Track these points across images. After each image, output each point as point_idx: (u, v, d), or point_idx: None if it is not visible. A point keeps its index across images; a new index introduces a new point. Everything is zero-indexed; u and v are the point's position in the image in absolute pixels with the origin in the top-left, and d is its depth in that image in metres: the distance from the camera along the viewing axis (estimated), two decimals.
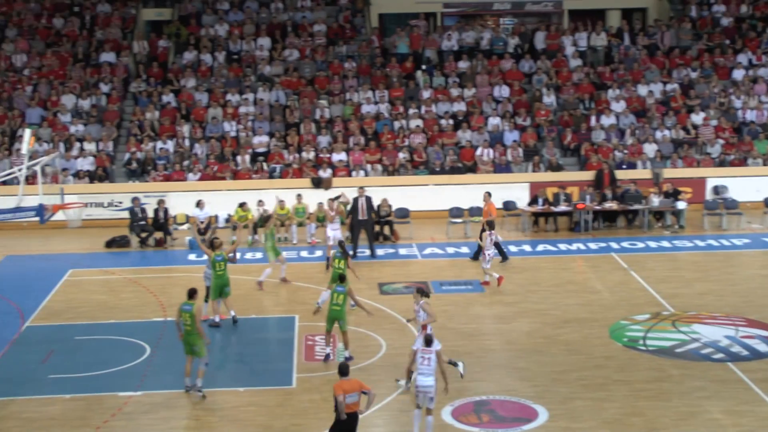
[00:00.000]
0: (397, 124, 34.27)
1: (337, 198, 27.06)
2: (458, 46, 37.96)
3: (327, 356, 18.77)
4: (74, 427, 16.13)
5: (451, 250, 27.65)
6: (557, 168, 32.56)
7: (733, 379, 17.72)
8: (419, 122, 34.28)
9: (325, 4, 39.92)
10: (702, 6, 39.79)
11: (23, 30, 37.92)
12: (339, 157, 32.65)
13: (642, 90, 35.63)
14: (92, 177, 32.07)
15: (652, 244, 28.10)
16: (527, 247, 27.87)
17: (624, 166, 32.40)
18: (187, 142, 33.50)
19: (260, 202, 28.83)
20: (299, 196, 29.38)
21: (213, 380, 17.53)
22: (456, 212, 29.87)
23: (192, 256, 27.18)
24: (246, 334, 20.75)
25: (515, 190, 31.27)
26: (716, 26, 38.88)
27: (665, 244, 28.17)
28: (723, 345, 19.42)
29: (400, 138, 33.60)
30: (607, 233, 29.45)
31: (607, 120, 34.31)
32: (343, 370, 14.19)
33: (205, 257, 21.86)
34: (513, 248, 27.52)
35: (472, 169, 32.67)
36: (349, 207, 27.32)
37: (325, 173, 31.87)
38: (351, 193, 27.58)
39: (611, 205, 29.77)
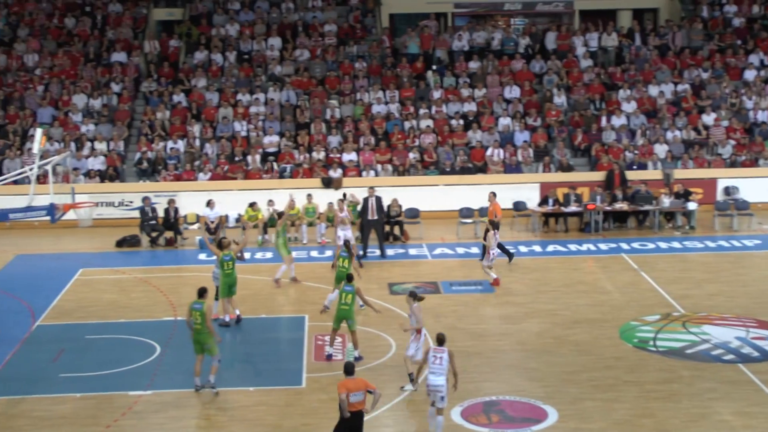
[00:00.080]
0: (407, 125, 34.27)
1: (344, 198, 27.04)
2: (469, 47, 37.94)
3: (329, 356, 18.80)
4: (85, 426, 16.18)
5: (461, 250, 27.64)
6: (568, 168, 32.51)
7: (743, 381, 17.67)
8: (430, 122, 34.27)
9: (336, 4, 39.95)
10: (713, 6, 39.69)
11: (35, 30, 38.04)
12: (349, 157, 32.66)
13: (653, 90, 35.55)
14: (103, 176, 32.17)
15: (663, 244, 28.04)
16: (537, 248, 27.84)
17: (635, 167, 32.33)
18: (197, 142, 33.56)
19: (270, 202, 28.89)
20: (309, 196, 29.40)
21: (223, 379, 17.55)
22: (466, 212, 29.86)
23: (202, 256, 27.22)
24: (256, 333, 20.78)
25: (525, 190, 31.24)
26: (728, 27, 38.77)
27: (676, 244, 28.10)
28: (733, 346, 19.36)
29: (411, 138, 33.60)
30: (617, 234, 29.40)
31: (618, 120, 34.24)
32: (349, 369, 14.23)
33: (215, 257, 21.88)
34: (523, 248, 27.51)
35: (483, 169, 32.65)
36: (359, 207, 27.35)
37: (335, 173, 31.89)
38: (361, 194, 27.61)
39: (622, 205, 29.72)
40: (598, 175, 31.57)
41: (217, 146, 33.15)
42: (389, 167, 32.55)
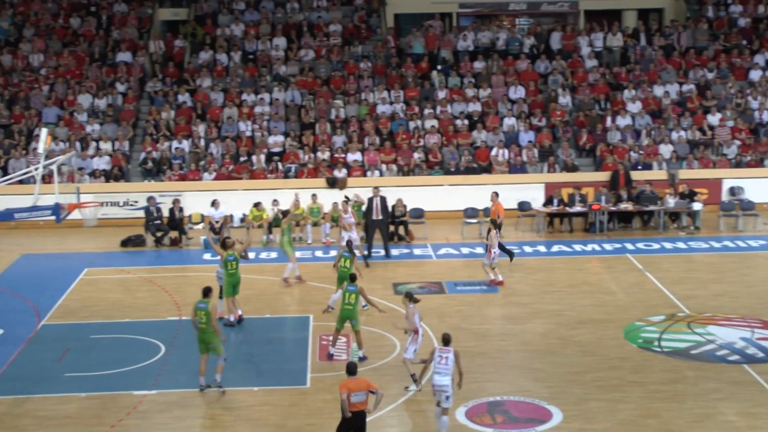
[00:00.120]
0: (412, 125, 34.27)
1: (347, 201, 27.05)
2: (474, 47, 37.92)
3: (331, 355, 18.83)
4: (89, 426, 16.20)
5: (465, 250, 27.63)
6: (572, 169, 32.49)
7: (748, 381, 17.65)
8: (434, 122, 34.27)
9: (341, 4, 39.96)
10: (719, 6, 39.63)
11: (40, 30, 38.09)
12: (354, 157, 32.67)
13: (658, 91, 35.52)
14: (108, 176, 32.20)
15: (668, 245, 28.01)
16: (542, 248, 27.83)
17: (639, 167, 32.30)
18: (202, 142, 33.58)
19: (275, 202, 28.91)
20: (314, 196, 29.41)
21: (227, 379, 17.55)
22: (471, 213, 29.84)
23: (207, 256, 27.24)
24: (260, 333, 20.79)
25: (530, 190, 31.22)
26: (733, 27, 38.72)
27: (681, 245, 28.07)
28: (738, 347, 19.34)
29: (415, 138, 33.60)
30: (622, 234, 29.37)
31: (623, 121, 34.20)
32: (351, 369, 14.24)
33: (219, 257, 21.88)
34: (528, 249, 27.50)
35: (487, 169, 32.63)
36: (363, 207, 27.36)
37: (340, 173, 31.89)
38: (366, 194, 27.61)
39: (626, 206, 29.69)
40: (603, 176, 31.55)
41: (222, 146, 33.18)
42: (394, 167, 32.55)
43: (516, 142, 33.53)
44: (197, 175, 32.09)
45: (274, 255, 26.99)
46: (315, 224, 29.03)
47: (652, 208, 29.70)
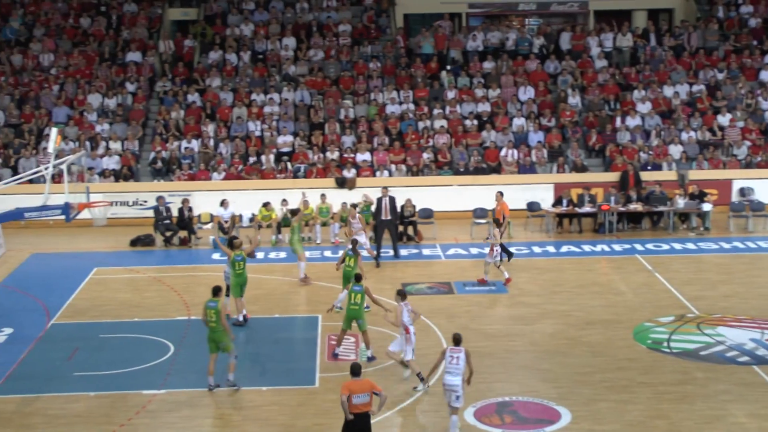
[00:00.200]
0: (421, 125, 34.26)
1: (355, 206, 27.03)
2: (483, 47, 37.89)
3: (336, 355, 18.86)
4: (98, 425, 16.24)
5: (474, 250, 27.59)
6: (582, 169, 32.44)
7: (758, 383, 17.61)
8: (444, 123, 34.25)
9: (350, 4, 39.97)
10: (729, 6, 39.51)
11: (50, 29, 38.19)
12: (363, 157, 32.67)
13: (668, 91, 35.43)
14: (117, 176, 32.26)
15: (677, 245, 27.95)
16: (551, 248, 27.79)
17: (649, 168, 32.22)
18: (211, 142, 33.62)
19: (284, 202, 28.93)
20: (323, 195, 29.43)
21: (236, 379, 17.57)
22: (480, 213, 29.81)
23: (216, 255, 27.25)
24: (269, 333, 20.81)
25: (539, 191, 31.20)
26: (744, 27, 38.60)
27: (690, 246, 28.00)
28: (748, 348, 19.29)
29: (425, 138, 33.58)
30: (631, 235, 29.31)
31: (633, 121, 34.13)
32: (355, 370, 14.24)
33: (227, 257, 21.89)
34: (537, 249, 27.49)
35: (497, 169, 32.60)
36: (373, 207, 27.36)
37: (349, 173, 31.89)
38: (375, 194, 27.61)
39: (636, 206, 29.63)
40: (613, 176, 31.50)
41: (231, 146, 33.22)
42: (403, 167, 32.54)
43: (525, 143, 33.49)
44: (206, 175, 32.13)
45: (283, 255, 27.01)
46: (324, 224, 29.05)
47: (661, 208, 29.64)
